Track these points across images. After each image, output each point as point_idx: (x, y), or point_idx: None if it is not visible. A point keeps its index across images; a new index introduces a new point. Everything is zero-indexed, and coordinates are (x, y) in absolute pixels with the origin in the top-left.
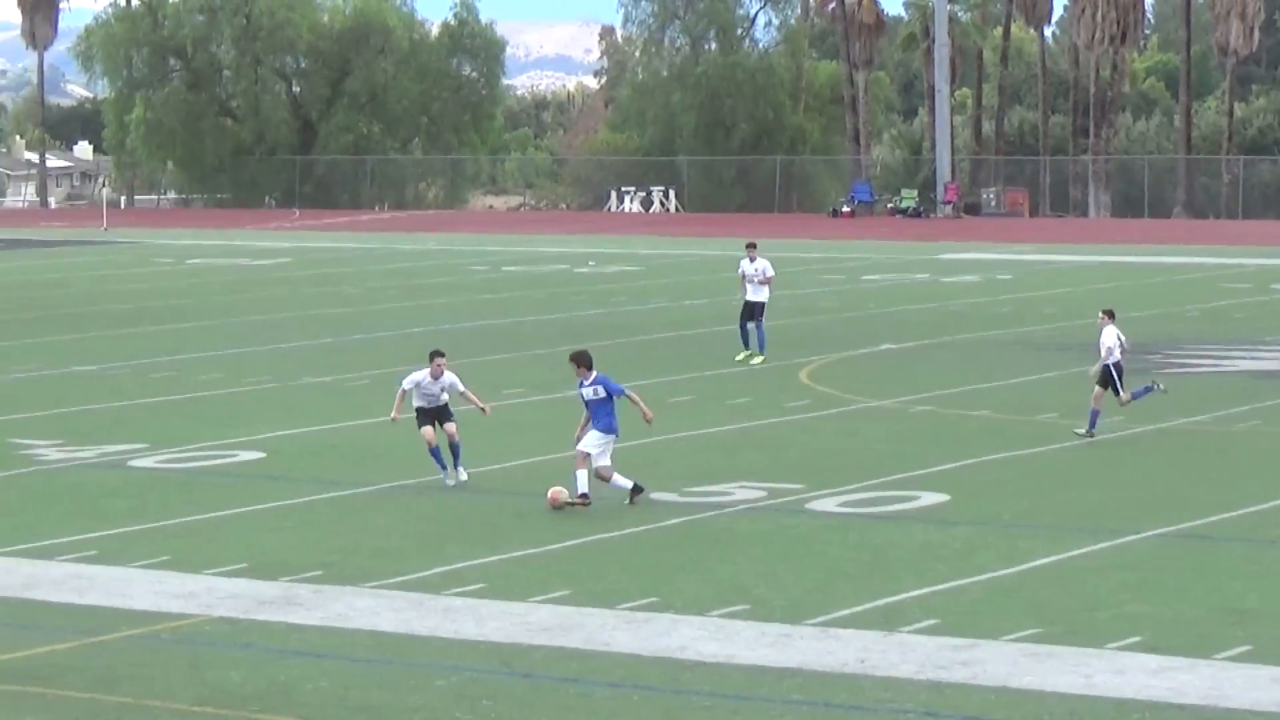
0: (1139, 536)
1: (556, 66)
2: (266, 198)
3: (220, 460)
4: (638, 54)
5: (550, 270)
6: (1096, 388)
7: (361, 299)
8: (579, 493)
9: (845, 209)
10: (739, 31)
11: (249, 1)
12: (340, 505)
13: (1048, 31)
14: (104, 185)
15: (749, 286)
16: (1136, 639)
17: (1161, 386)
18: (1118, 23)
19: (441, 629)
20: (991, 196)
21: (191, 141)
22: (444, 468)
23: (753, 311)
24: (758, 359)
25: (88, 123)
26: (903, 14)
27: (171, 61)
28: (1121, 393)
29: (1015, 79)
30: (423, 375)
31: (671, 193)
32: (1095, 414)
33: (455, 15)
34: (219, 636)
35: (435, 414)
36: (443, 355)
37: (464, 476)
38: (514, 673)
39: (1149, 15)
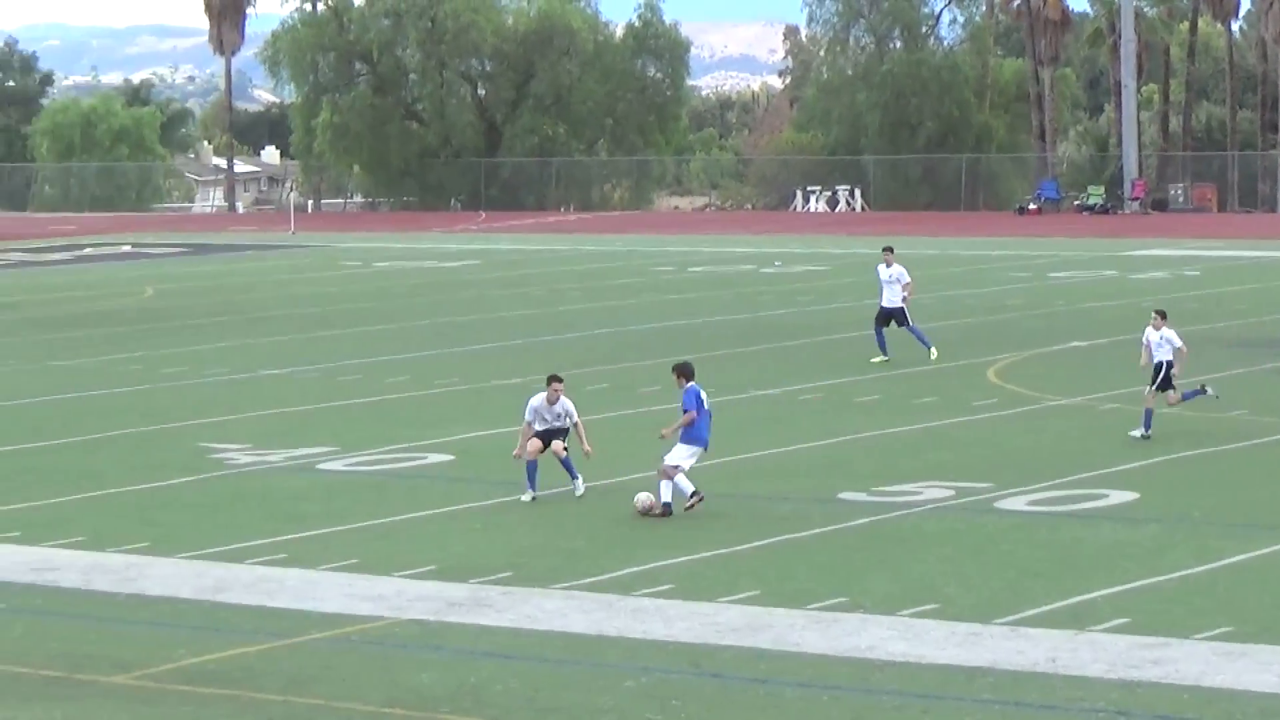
0: None
1: (741, 67)
2: (452, 200)
3: (409, 463)
4: (822, 53)
5: (736, 270)
6: (1148, 388)
7: (548, 300)
8: (662, 501)
9: (1032, 206)
10: (924, 29)
11: (434, 5)
12: (529, 507)
13: (1235, 26)
14: (291, 189)
15: (886, 291)
16: None
17: (1211, 391)
18: None
19: (630, 630)
20: (1179, 192)
21: (377, 145)
22: (532, 486)
23: (889, 317)
24: (933, 354)
25: (275, 127)
26: (1088, 10)
27: (357, 65)
28: (1172, 392)
29: (1202, 74)
30: (539, 401)
31: (857, 192)
32: (1149, 413)
33: (639, 16)
34: (409, 638)
35: (549, 436)
36: (560, 380)
37: (580, 491)
38: (703, 673)
39: None
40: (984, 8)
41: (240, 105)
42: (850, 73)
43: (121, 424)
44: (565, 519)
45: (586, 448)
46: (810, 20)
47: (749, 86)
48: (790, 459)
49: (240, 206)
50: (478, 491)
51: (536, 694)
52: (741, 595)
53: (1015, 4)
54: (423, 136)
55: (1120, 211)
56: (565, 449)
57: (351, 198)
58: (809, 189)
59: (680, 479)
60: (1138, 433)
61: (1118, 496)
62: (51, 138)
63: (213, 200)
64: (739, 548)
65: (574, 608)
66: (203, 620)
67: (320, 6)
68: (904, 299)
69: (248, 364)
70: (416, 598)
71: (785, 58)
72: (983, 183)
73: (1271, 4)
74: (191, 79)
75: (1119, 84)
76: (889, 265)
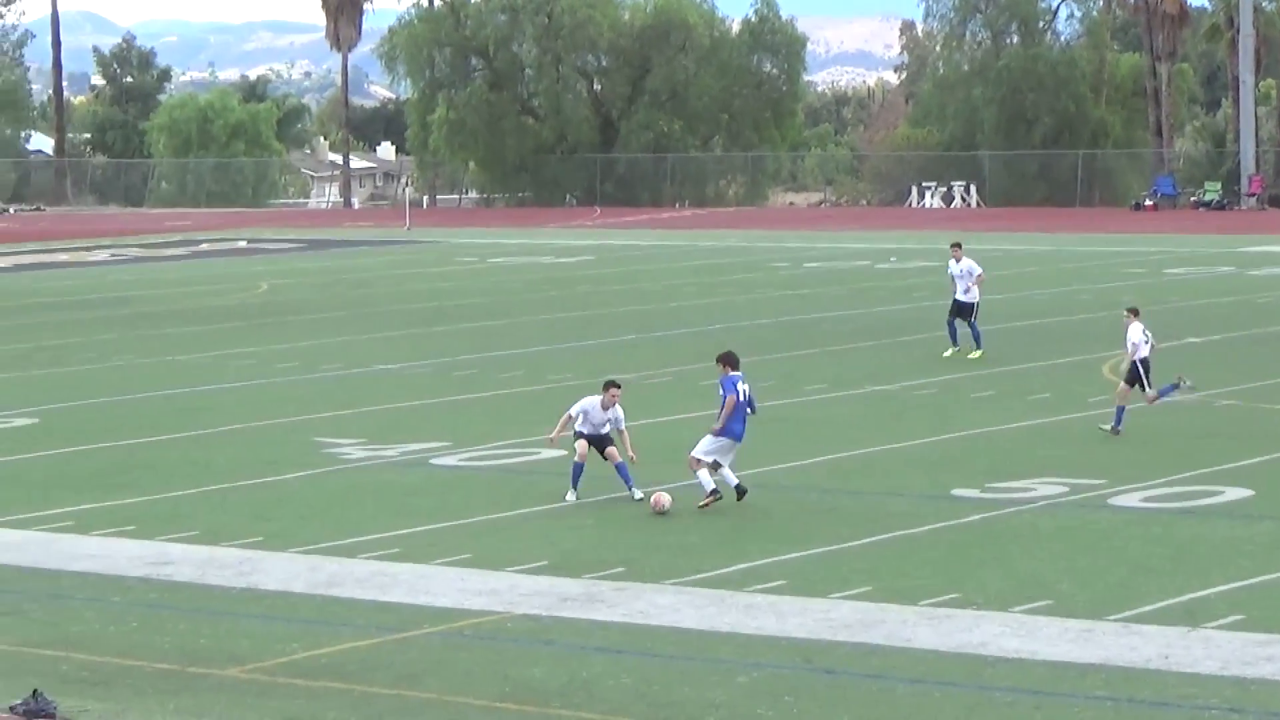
0: None
1: (857, 62)
2: (567, 196)
3: (522, 458)
4: (938, 48)
5: (851, 266)
6: (1122, 384)
7: (662, 296)
8: (709, 491)
9: (1148, 202)
10: (1040, 24)
11: (550, 0)
12: (641, 503)
13: None
14: (407, 185)
15: (958, 285)
16: None
17: (1188, 383)
18: None
19: (743, 625)
20: None
21: (493, 141)
22: (575, 487)
23: (961, 310)
24: (976, 354)
25: (390, 123)
26: (1206, 4)
27: (473, 61)
28: (1148, 389)
29: None
30: (592, 403)
31: (973, 188)
32: (1121, 410)
33: (756, 12)
34: (522, 633)
35: (595, 440)
36: (618, 386)
37: (639, 495)
38: (815, 669)
39: None
40: (1101, 2)
41: (356, 101)
42: (966, 68)
43: (236, 419)
44: (677, 515)
45: (631, 454)
46: (926, 15)
47: (865, 82)
48: (904, 455)
49: (356, 202)
50: (590, 487)
51: (649, 689)
52: (854, 591)
53: None
54: (538, 132)
55: (1237, 207)
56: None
57: (466, 193)
58: (924, 185)
59: (703, 474)
60: (1107, 427)
61: (1233, 493)
62: (168, 133)
63: (328, 196)
64: (851, 544)
65: (686, 603)
66: (316, 614)
67: (437, 2)
68: (977, 293)
69: (362, 359)
70: (529, 593)
71: (901, 53)
72: (1099, 179)
73: None
74: (308, 75)
75: (1237, 79)
76: (958, 260)
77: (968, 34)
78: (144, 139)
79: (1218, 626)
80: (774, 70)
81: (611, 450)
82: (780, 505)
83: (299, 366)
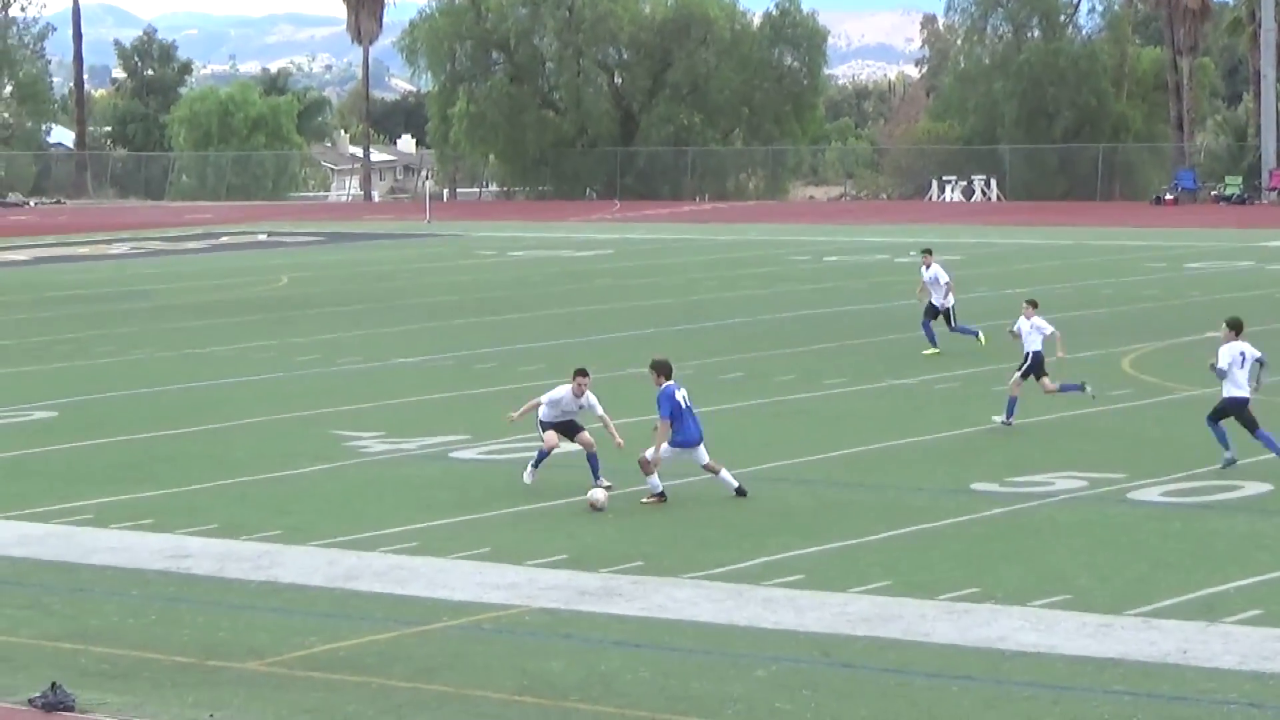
0: None
1: (878, 56)
2: (588, 190)
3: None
4: (959, 42)
5: (871, 260)
6: (1016, 376)
7: (682, 290)
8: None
9: (1168, 196)
10: (1062, 18)
11: None
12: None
13: None
14: (427, 178)
15: (932, 291)
16: None
17: (1091, 392)
18: None
19: (761, 619)
20: None
21: (513, 134)
22: (536, 467)
23: (933, 311)
24: (931, 351)
25: (411, 116)
26: None
27: (494, 55)
28: (1047, 380)
29: None
30: (564, 393)
31: (993, 182)
32: (1013, 402)
33: (777, 5)
34: (540, 627)
35: (564, 426)
36: (586, 374)
37: (604, 490)
38: (833, 663)
39: None
40: None
41: (377, 94)
42: (987, 62)
43: (255, 412)
44: (696, 509)
45: (618, 440)
46: (948, 9)
47: (885, 76)
48: (924, 449)
49: (376, 195)
50: (608, 480)
51: (667, 683)
52: (872, 585)
53: None
54: (559, 126)
55: (1258, 202)
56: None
57: (487, 187)
58: (945, 179)
59: (654, 478)
60: (999, 419)
61: (1252, 488)
62: (189, 126)
63: (348, 189)
64: (870, 538)
65: (704, 597)
66: (334, 608)
67: None
68: (950, 299)
69: (382, 353)
70: (547, 586)
71: (922, 47)
72: (1119, 173)
73: None
74: (328, 68)
75: (1258, 73)
76: (928, 267)
77: (989, 28)
78: (165, 132)
79: (1236, 621)
80: (795, 64)
81: (584, 437)
82: (799, 499)
83: (319, 360)
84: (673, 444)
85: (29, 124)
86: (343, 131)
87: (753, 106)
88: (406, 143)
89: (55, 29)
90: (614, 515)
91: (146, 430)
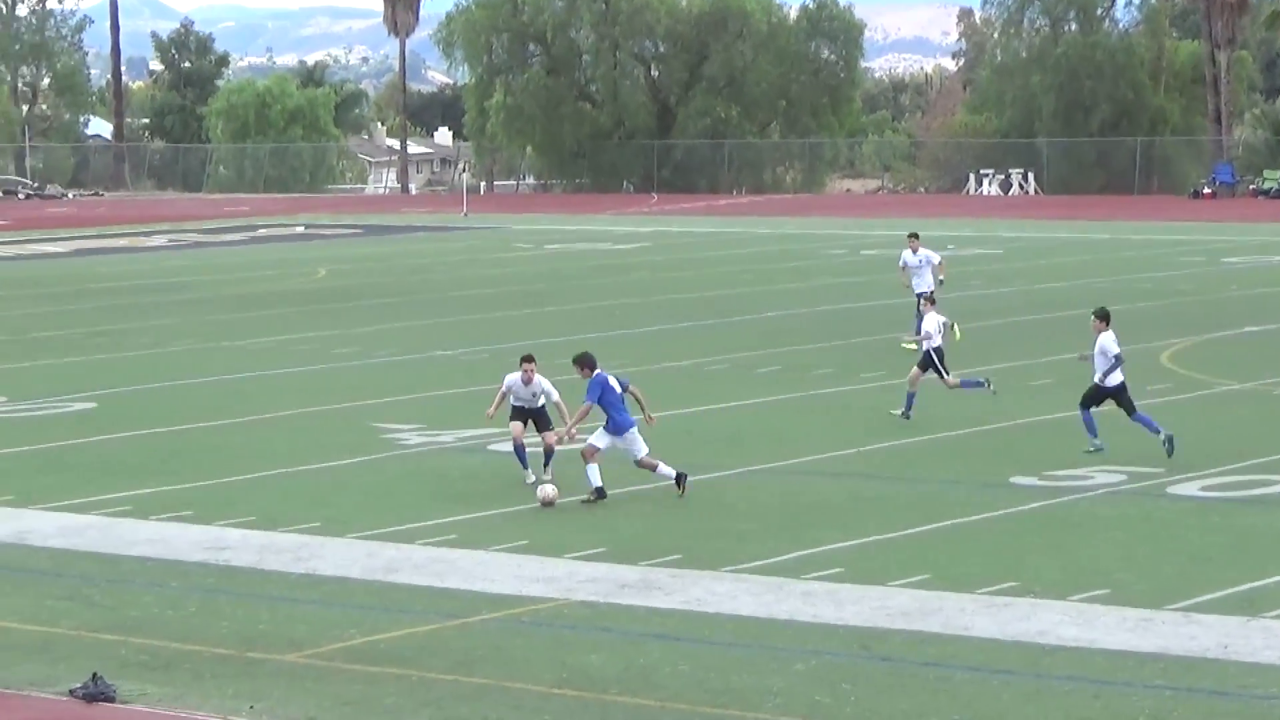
0: None
1: (914, 49)
2: (624, 182)
3: (579, 444)
4: (996, 35)
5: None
6: (915, 369)
7: (720, 283)
8: (593, 487)
9: (1206, 190)
10: (1099, 11)
11: None
12: (698, 489)
13: None
14: (464, 171)
15: (915, 277)
16: None
17: (993, 389)
18: None
19: (800, 613)
20: None
21: (550, 127)
22: (526, 467)
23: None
24: (910, 344)
25: (448, 109)
26: None
27: (531, 47)
28: (948, 376)
29: None
30: (514, 379)
31: (1030, 175)
32: (911, 396)
33: None
34: (579, 620)
35: (529, 415)
36: (532, 361)
37: (546, 481)
38: (873, 657)
39: None
40: None
41: (414, 86)
42: (1024, 55)
43: (293, 404)
44: (735, 502)
45: (571, 431)
46: (984, 2)
47: (922, 69)
48: (961, 443)
49: (413, 188)
50: (647, 474)
51: (706, 676)
52: (912, 579)
53: None
54: (595, 118)
55: None
56: (558, 441)
57: (524, 179)
58: (982, 172)
59: (592, 468)
60: (898, 411)
61: None
62: (226, 119)
63: (386, 182)
64: (909, 531)
65: (743, 590)
66: (373, 600)
67: None
68: (939, 281)
69: (419, 345)
70: (587, 579)
71: (959, 40)
72: (1157, 166)
73: None
74: (365, 60)
75: None
76: (915, 251)
77: (1026, 21)
78: (202, 124)
79: (1277, 616)
80: (831, 56)
81: (548, 436)
82: (837, 492)
83: (357, 352)
84: (608, 430)
85: (67, 116)
86: (380, 124)
87: (790, 99)
88: (443, 135)
89: (93, 21)
90: (652, 508)
91: (185, 422)
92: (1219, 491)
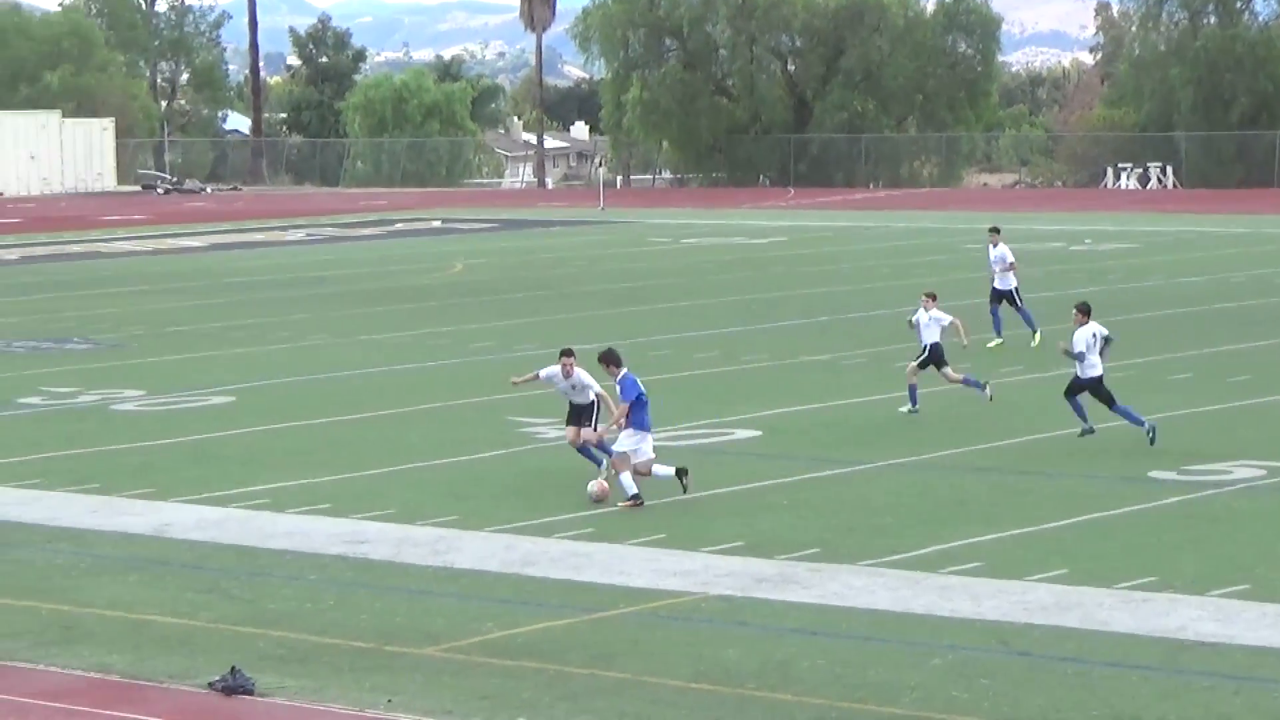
0: None
1: (1052, 43)
2: (761, 177)
3: (716, 438)
4: (1134, 28)
5: (1046, 248)
6: (912, 364)
7: (857, 277)
8: (630, 495)
9: None
10: (1238, 4)
11: None
12: (836, 483)
13: None
14: (600, 165)
15: (996, 273)
16: None
17: (989, 395)
18: None
19: (937, 607)
20: None
21: (687, 121)
22: (599, 463)
23: (999, 297)
24: (995, 342)
25: (584, 103)
26: None
27: (668, 41)
28: (949, 370)
29: None
30: (554, 371)
31: (1169, 169)
32: (913, 389)
33: None
34: (716, 614)
35: (579, 413)
36: (572, 355)
37: (597, 487)
38: (1011, 652)
39: None
40: None
41: (550, 81)
42: (1163, 48)
43: (430, 398)
44: (872, 496)
45: (599, 429)
46: None
47: (1060, 62)
48: (1100, 436)
49: (550, 182)
50: (785, 468)
51: (843, 670)
52: (1050, 574)
53: None
54: (732, 112)
55: None
56: (599, 436)
57: (660, 174)
58: (1120, 166)
59: (625, 476)
60: (905, 409)
61: None
62: (363, 113)
63: (522, 176)
64: (1047, 526)
65: (881, 585)
66: (510, 594)
67: None
68: (1013, 279)
69: (555, 339)
70: (724, 573)
71: (1096, 33)
72: None
73: None
74: (502, 55)
75: None
76: (995, 246)
77: (1164, 14)
78: (339, 119)
79: None
80: (968, 50)
81: (584, 431)
82: (975, 487)
83: (493, 346)
84: (633, 425)
85: (205, 111)
86: (516, 118)
87: (926, 93)
88: (580, 129)
89: (231, 17)
90: (789, 502)
91: (323, 415)
92: None
